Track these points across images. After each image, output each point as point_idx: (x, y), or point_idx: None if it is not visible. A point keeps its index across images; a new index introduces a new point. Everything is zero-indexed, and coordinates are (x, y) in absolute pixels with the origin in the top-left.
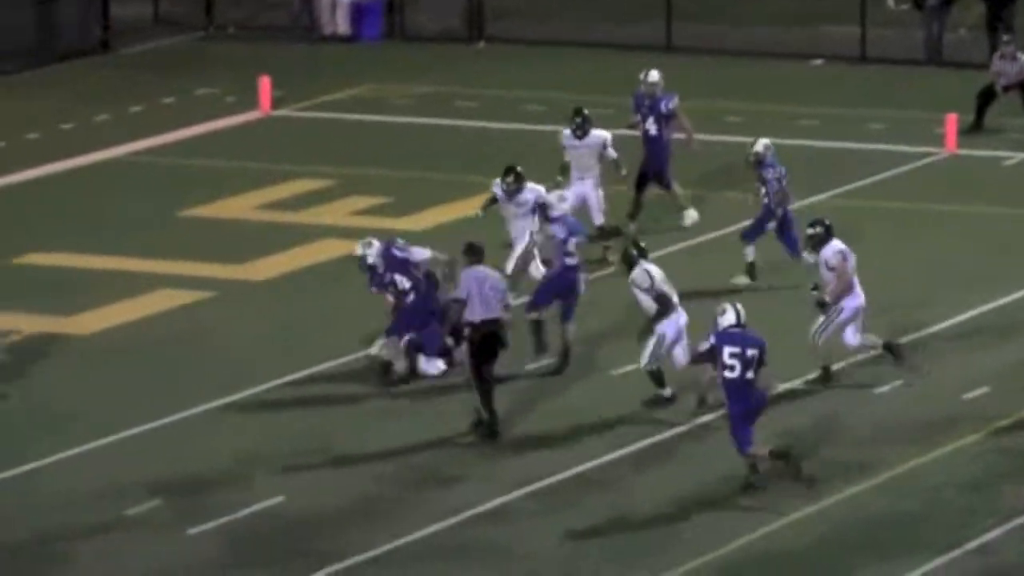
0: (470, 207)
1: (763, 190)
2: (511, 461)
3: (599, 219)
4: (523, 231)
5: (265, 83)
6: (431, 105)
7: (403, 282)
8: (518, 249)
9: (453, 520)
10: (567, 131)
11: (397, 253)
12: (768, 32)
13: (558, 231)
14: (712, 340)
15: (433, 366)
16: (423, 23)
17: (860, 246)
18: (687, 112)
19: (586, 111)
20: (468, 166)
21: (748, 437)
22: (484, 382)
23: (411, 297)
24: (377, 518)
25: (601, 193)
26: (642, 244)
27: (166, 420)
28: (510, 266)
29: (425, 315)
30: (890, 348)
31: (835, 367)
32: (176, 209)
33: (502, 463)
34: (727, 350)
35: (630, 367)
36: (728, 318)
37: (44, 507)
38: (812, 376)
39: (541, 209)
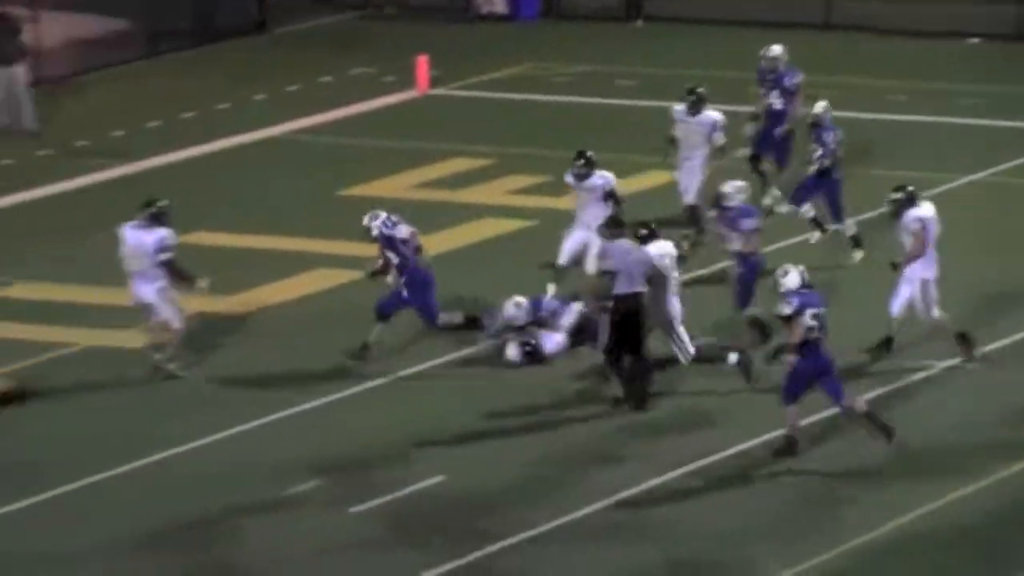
0: (628, 185)
1: (819, 152)
2: (671, 440)
3: (690, 199)
4: (595, 219)
5: (422, 62)
6: (589, 84)
7: (392, 257)
8: (592, 246)
9: (613, 499)
10: (680, 107)
11: (384, 230)
12: (925, 10)
13: (751, 223)
14: (796, 303)
15: (552, 341)
16: (580, 2)
17: (1019, 223)
18: (849, 89)
19: (701, 90)
20: (626, 145)
21: (798, 394)
22: (620, 357)
23: (403, 278)
24: (537, 497)
25: (702, 177)
26: (652, 225)
27: (326, 399)
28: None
29: (420, 289)
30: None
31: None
32: (333, 188)
33: (661, 442)
34: (809, 312)
35: None
36: (792, 279)
37: (209, 484)
38: (956, 348)
39: (611, 196)
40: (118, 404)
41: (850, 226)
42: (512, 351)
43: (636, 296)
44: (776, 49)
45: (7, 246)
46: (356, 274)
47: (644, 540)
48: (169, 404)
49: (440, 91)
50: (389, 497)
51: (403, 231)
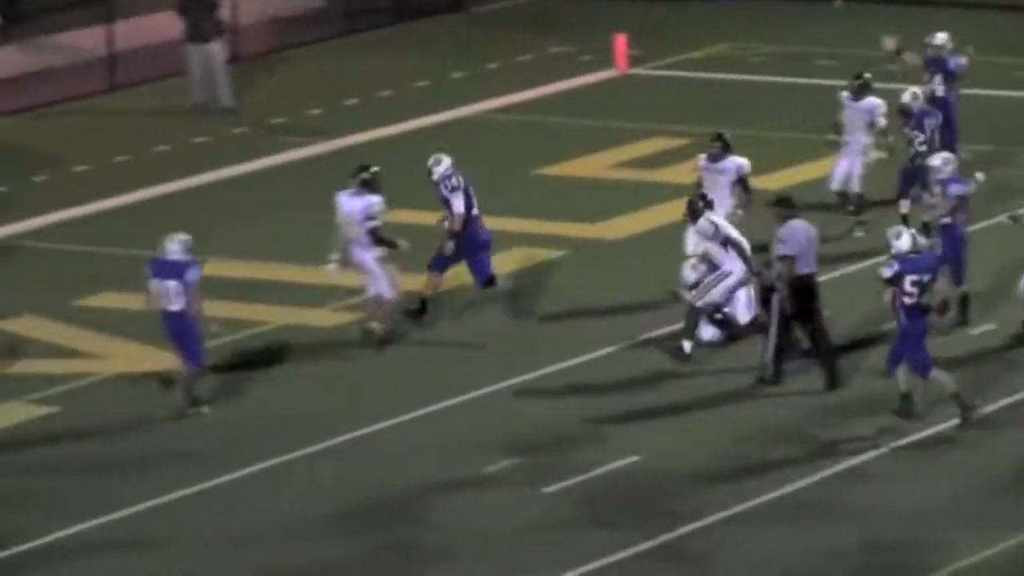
0: (817, 168)
1: (920, 137)
2: (862, 420)
3: (857, 186)
4: (721, 205)
5: (621, 41)
6: (789, 64)
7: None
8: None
9: (810, 480)
10: (846, 92)
11: (443, 190)
12: None
13: (960, 188)
14: (896, 267)
15: (740, 305)
16: None
17: None
18: None
19: (867, 75)
20: (825, 126)
21: (930, 358)
22: (786, 338)
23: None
24: (730, 478)
25: (862, 161)
26: (709, 197)
27: (523, 377)
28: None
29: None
30: None
31: None
32: (530, 167)
33: (853, 422)
34: (909, 278)
35: (988, 326)
36: (904, 242)
37: (407, 462)
38: None
39: (742, 182)
40: (316, 382)
41: (905, 205)
42: (707, 332)
43: (811, 276)
44: (941, 37)
45: (202, 223)
46: (553, 253)
47: (837, 521)
48: (368, 381)
49: (639, 70)
50: (582, 477)
51: (456, 203)
